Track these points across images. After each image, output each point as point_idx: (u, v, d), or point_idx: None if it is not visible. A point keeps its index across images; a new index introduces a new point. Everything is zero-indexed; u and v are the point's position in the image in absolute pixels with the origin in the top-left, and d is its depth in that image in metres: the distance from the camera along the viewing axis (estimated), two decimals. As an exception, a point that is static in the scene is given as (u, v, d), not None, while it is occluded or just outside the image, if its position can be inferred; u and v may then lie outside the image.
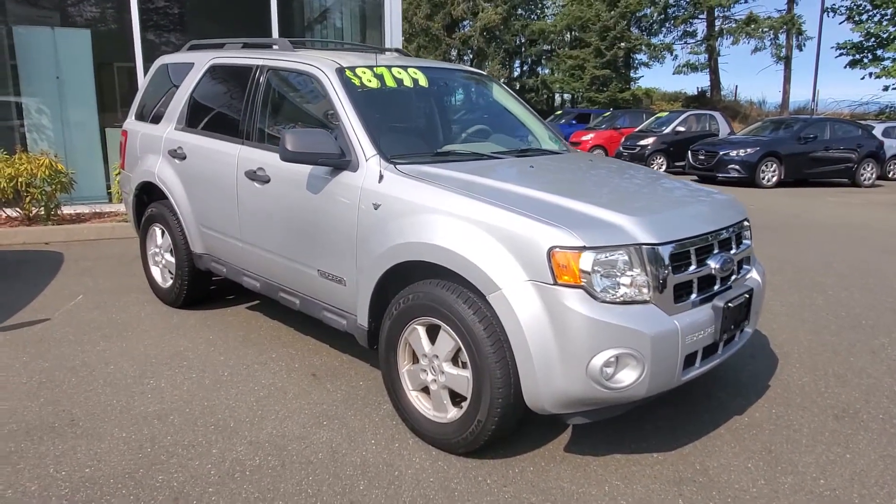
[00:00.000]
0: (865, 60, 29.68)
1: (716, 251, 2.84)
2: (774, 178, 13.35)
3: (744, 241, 3.12)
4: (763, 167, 13.21)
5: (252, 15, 9.40)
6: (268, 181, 3.58)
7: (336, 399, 3.37)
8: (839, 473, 2.76)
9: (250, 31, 9.44)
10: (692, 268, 2.70)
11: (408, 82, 3.62)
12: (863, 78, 32.23)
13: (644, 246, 2.53)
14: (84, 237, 7.13)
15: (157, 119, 4.65)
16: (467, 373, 2.71)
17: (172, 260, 4.56)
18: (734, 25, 30.28)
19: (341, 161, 3.15)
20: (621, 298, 2.49)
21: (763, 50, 30.34)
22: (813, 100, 26.83)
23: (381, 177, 3.01)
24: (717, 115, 16.97)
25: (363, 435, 3.02)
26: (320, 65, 3.48)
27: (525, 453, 2.89)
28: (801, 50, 30.39)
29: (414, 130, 3.70)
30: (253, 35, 10.24)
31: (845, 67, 30.56)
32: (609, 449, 2.93)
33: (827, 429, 3.14)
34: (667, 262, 2.58)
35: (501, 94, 4.26)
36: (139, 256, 6.02)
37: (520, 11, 36.11)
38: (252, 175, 3.67)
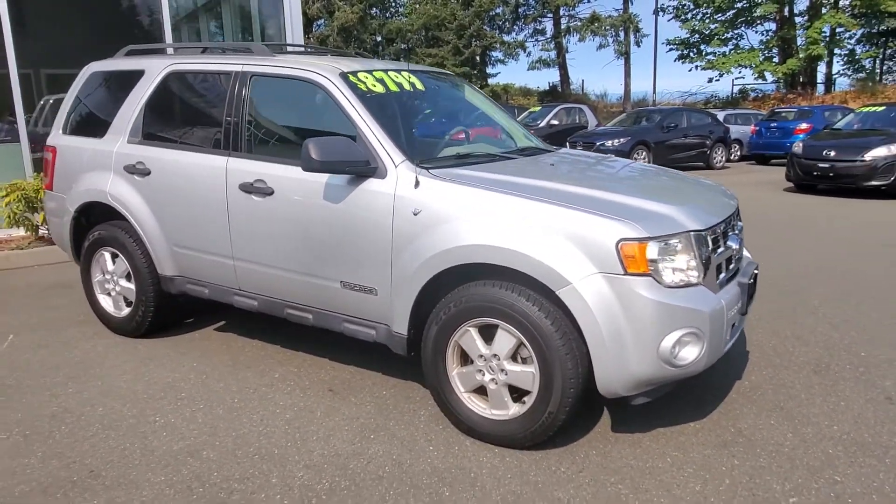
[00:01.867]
0: (692, 55, 33.05)
1: (730, 233, 3.14)
2: (644, 165, 14.56)
3: (739, 223, 3.46)
4: (635, 155, 14.36)
5: (135, 17, 8.69)
6: (270, 193, 3.40)
7: (369, 412, 3.29)
8: (844, 419, 3.16)
9: (135, 35, 8.73)
10: (720, 249, 2.96)
11: (407, 86, 3.60)
12: (690, 70, 35.83)
13: (692, 232, 2.75)
14: (-31, 270, 6.25)
15: (97, 132, 4.21)
16: (531, 368, 2.78)
17: (130, 286, 4.17)
18: (580, 24, 32.35)
19: (368, 168, 3.08)
20: (680, 282, 2.68)
21: (607, 47, 32.73)
22: (654, 92, 29.47)
23: (416, 182, 2.99)
24: (585, 108, 18.15)
25: (417, 443, 2.99)
26: (322, 71, 3.36)
27: (579, 439, 3.01)
28: (639, 46, 33.18)
29: (423, 134, 3.67)
30: (138, 37, 9.47)
31: (675, 61, 33.85)
32: (650, 424, 3.13)
33: (814, 383, 3.56)
34: (710, 245, 2.82)
35: (474, 95, 4.34)
36: (54, 286, 5.48)
37: (374, 10, 36.14)
38: (248, 188, 3.46)
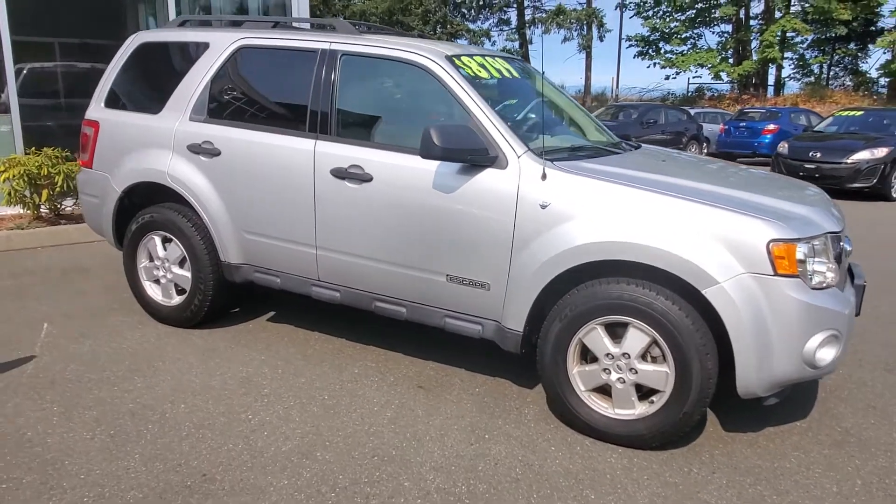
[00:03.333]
0: (651, 52, 33.68)
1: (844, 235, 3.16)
2: (624, 159, 14.75)
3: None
4: (617, 149, 14.53)
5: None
6: (368, 180, 3.22)
7: (471, 410, 3.18)
8: (937, 418, 3.24)
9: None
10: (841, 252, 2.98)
11: (506, 73, 3.48)
12: (648, 67, 36.52)
13: (829, 234, 2.75)
14: (-39, 251, 5.78)
15: (150, 108, 3.92)
16: (664, 367, 2.74)
17: (184, 273, 3.91)
18: (545, 15, 32.51)
19: (487, 158, 2.96)
20: (821, 283, 2.68)
21: (571, 40, 33.00)
22: (617, 86, 29.94)
23: (544, 174, 2.88)
24: (562, 100, 18.23)
25: (536, 443, 2.91)
26: (427, 53, 3.20)
27: (696, 439, 2.99)
28: (601, 41, 33.53)
29: (528, 124, 3.55)
30: (125, 13, 8.93)
31: (634, 58, 34.40)
32: (758, 424, 3.14)
33: (892, 382, 3.64)
34: (841, 247, 2.82)
35: (546, 84, 4.23)
36: (71, 270, 5.24)
37: (337, -7, 35.38)
38: (342, 173, 3.28)
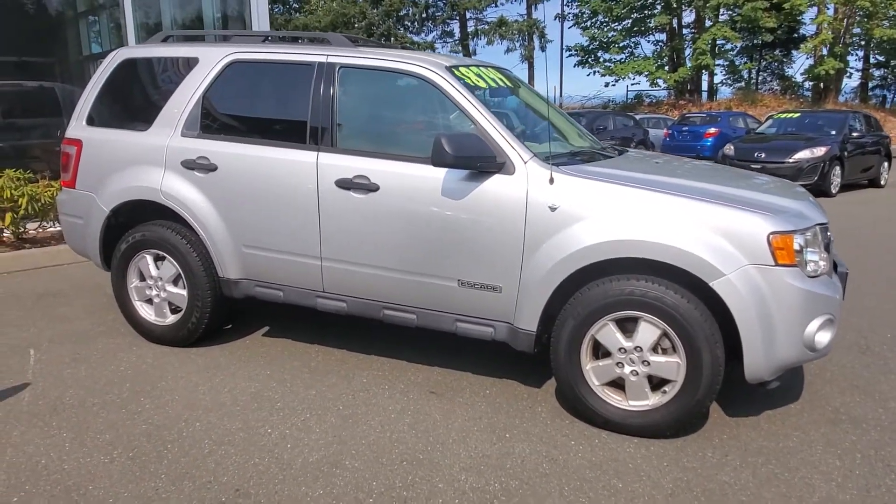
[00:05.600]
0: (591, 61, 34.65)
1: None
2: (577, 165, 15.14)
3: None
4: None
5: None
6: (374, 190, 3.27)
7: (486, 411, 3.25)
8: (913, 393, 3.50)
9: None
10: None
11: (499, 83, 3.58)
12: (589, 75, 37.47)
13: (819, 226, 2.95)
14: (-82, 280, 5.50)
15: (137, 125, 3.85)
16: (675, 358, 2.87)
17: (179, 291, 3.85)
18: (487, 27, 33.02)
19: (495, 164, 3.05)
20: (815, 271, 2.87)
21: (514, 51, 33.59)
22: (560, 95, 30.66)
23: (551, 178, 2.99)
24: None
25: (556, 439, 3.00)
26: (427, 64, 3.28)
27: (705, 426, 3.12)
28: (543, 51, 34.24)
29: (527, 131, 3.66)
30: (67, 30, 8.69)
31: (575, 66, 35.25)
32: (757, 408, 3.31)
33: (867, 362, 3.90)
34: (828, 237, 3.03)
35: (528, 92, 4.36)
36: (44, 295, 5.07)
37: (278, 8, 35.06)
38: (347, 184, 3.31)
